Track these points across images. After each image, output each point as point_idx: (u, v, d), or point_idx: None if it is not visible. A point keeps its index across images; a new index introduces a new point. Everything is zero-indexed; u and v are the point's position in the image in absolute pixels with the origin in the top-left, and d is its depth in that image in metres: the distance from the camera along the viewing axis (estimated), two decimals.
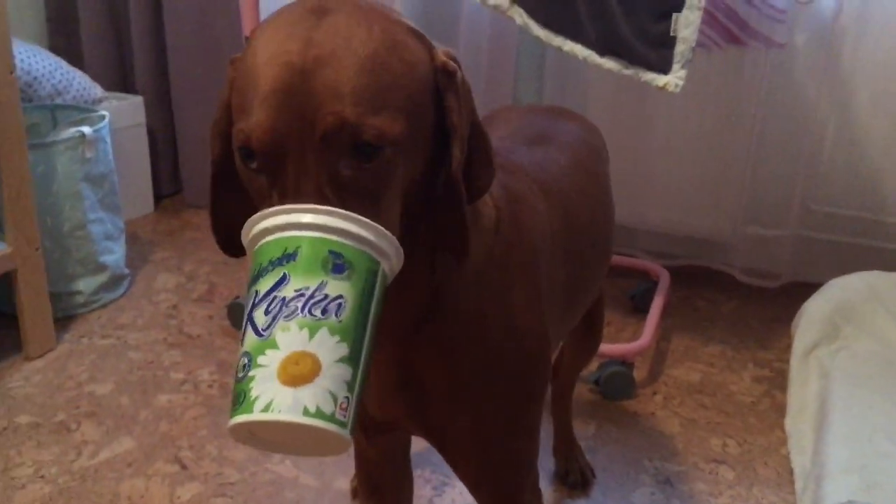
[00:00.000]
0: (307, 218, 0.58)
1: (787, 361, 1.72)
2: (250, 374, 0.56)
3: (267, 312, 0.57)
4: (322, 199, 0.59)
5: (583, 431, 1.60)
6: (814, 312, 1.73)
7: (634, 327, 1.99)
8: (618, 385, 1.72)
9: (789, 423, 1.60)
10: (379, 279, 0.60)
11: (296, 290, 0.57)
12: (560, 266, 0.92)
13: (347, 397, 0.57)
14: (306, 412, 0.55)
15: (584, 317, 1.28)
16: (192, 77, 2.48)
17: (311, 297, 0.57)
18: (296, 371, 0.55)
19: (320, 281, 0.57)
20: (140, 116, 2.47)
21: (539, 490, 0.93)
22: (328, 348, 0.56)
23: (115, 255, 2.07)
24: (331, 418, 0.56)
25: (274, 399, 0.55)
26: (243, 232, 0.62)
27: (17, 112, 1.67)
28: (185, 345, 1.89)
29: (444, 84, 0.66)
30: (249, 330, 0.58)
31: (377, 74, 0.61)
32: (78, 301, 1.99)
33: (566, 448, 1.49)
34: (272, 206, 0.61)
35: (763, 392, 1.76)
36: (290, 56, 0.60)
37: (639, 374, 1.80)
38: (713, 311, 2.10)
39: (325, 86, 0.59)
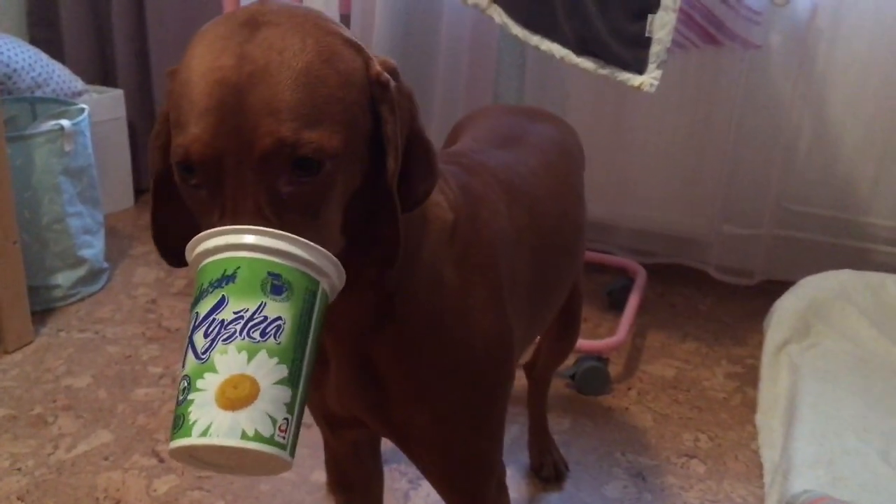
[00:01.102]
0: (245, 239, 0.58)
1: (759, 358, 1.75)
2: (189, 397, 0.56)
3: (206, 335, 0.57)
4: (261, 219, 0.59)
5: (557, 425, 1.62)
6: (785, 310, 1.76)
7: (611, 324, 2.01)
8: (593, 380, 1.74)
9: (759, 418, 1.63)
10: (319, 298, 0.60)
11: (234, 313, 0.57)
12: (526, 266, 0.93)
13: (287, 418, 0.57)
14: (244, 436, 0.55)
15: (561, 314, 1.30)
16: (166, 77, 2.48)
17: (251, 319, 0.57)
18: (234, 395, 0.55)
19: (259, 303, 0.57)
20: (120, 110, 2.47)
21: (505, 486, 0.94)
22: (267, 371, 0.56)
23: (94, 248, 2.06)
24: (269, 441, 0.56)
25: (212, 423, 0.55)
26: (186, 251, 0.61)
27: None
28: (163, 339, 1.90)
29: (378, 95, 0.66)
30: (190, 353, 0.58)
31: (313, 88, 0.61)
32: (56, 295, 1.99)
33: (540, 442, 1.51)
34: (212, 224, 0.60)
35: (735, 388, 1.79)
36: (223, 72, 0.60)
37: (614, 369, 1.82)
38: (689, 309, 2.13)
39: (261, 103, 0.59)
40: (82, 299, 2.04)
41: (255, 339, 0.57)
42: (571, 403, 1.71)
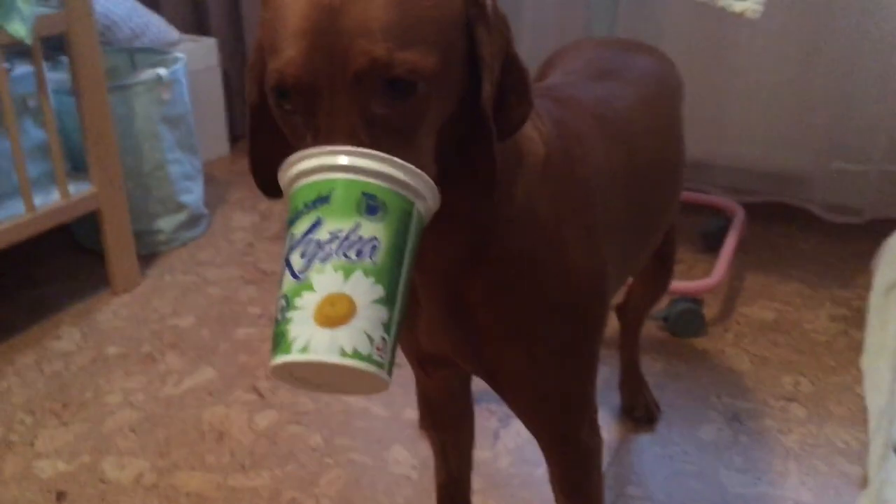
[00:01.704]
0: (339, 160, 0.58)
1: (867, 300, 1.67)
2: (288, 315, 0.57)
3: (303, 255, 0.57)
4: (354, 140, 0.59)
5: (650, 368, 1.60)
6: None
7: (705, 265, 1.95)
8: (687, 322, 1.70)
9: (866, 361, 1.56)
10: (414, 220, 0.60)
11: (330, 233, 0.57)
12: (621, 204, 0.91)
13: (384, 338, 0.57)
14: (343, 353, 0.56)
15: (655, 254, 1.26)
16: (261, 6, 2.50)
17: (346, 238, 0.57)
18: (332, 312, 0.56)
19: (354, 223, 0.57)
20: (214, 59, 2.52)
21: (597, 426, 0.93)
22: (363, 290, 0.57)
23: (193, 194, 2.13)
24: (367, 358, 0.56)
25: (311, 340, 0.56)
26: (279, 175, 0.62)
27: (97, 55, 1.72)
28: (260, 281, 1.96)
29: (473, 15, 0.65)
30: (287, 273, 0.58)
31: (406, 8, 0.60)
32: (160, 239, 2.07)
33: (633, 383, 1.49)
34: (307, 146, 0.61)
35: (839, 331, 1.72)
36: None
37: (710, 311, 1.78)
38: (791, 249, 2.04)
39: (354, 23, 0.59)
40: (184, 244, 2.12)
41: (350, 258, 0.57)
42: (665, 346, 1.68)
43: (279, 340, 0.57)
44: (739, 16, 1.40)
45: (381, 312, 0.58)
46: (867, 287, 1.70)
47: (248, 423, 1.49)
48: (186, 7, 2.67)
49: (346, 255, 0.57)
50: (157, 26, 2.35)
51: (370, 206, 0.58)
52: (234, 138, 2.69)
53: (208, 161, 2.52)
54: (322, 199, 0.58)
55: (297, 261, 0.58)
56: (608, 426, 1.46)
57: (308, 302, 0.57)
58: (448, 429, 1.08)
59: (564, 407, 0.89)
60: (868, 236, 1.90)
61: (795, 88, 2.03)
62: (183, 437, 1.46)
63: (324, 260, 0.57)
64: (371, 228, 0.58)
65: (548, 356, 0.83)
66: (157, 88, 1.98)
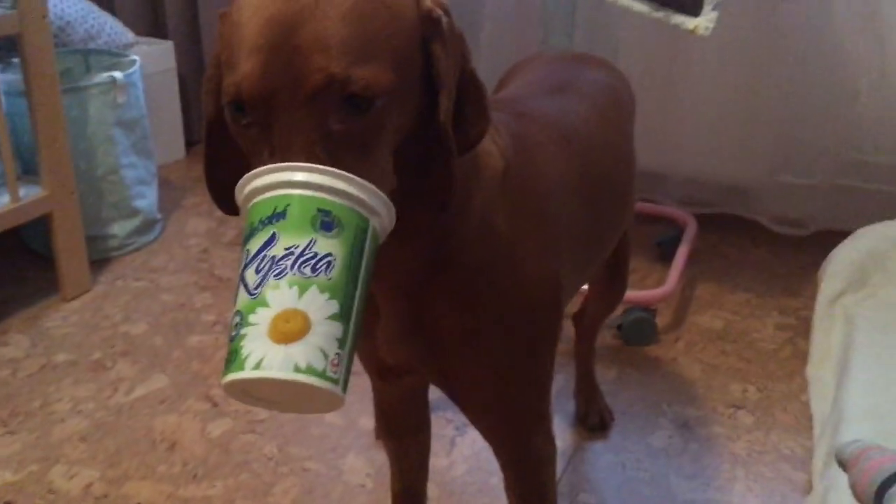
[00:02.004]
0: (295, 176, 0.58)
1: (813, 310, 1.72)
2: (242, 332, 0.57)
3: (258, 271, 0.57)
4: (311, 156, 0.59)
5: (604, 375, 1.62)
6: (842, 260, 1.71)
7: (659, 274, 1.99)
8: (640, 331, 1.73)
9: (811, 370, 1.60)
10: (369, 236, 0.60)
11: (285, 249, 0.57)
12: (576, 215, 0.92)
13: (339, 354, 0.57)
14: (297, 369, 0.55)
15: (610, 264, 1.29)
16: (217, 21, 2.49)
17: (301, 255, 0.57)
18: (286, 328, 0.56)
19: (310, 239, 0.57)
20: (170, 62, 2.49)
21: (552, 434, 0.95)
22: (318, 306, 0.57)
23: (147, 199, 2.11)
24: (322, 374, 0.56)
25: (265, 356, 0.55)
26: (237, 191, 0.62)
27: (51, 56, 1.69)
28: (215, 287, 1.94)
29: (429, 32, 0.66)
30: (241, 289, 0.58)
31: (362, 24, 0.61)
32: (112, 244, 2.04)
33: (587, 391, 1.51)
34: (263, 162, 0.61)
35: (786, 339, 1.77)
36: (274, 10, 0.60)
37: (662, 320, 1.81)
38: (740, 259, 2.09)
39: (311, 39, 0.59)
40: (137, 249, 2.09)
41: (305, 274, 0.57)
42: (618, 354, 1.71)
43: (233, 357, 0.57)
44: (691, 33, 1.43)
45: (336, 328, 0.58)
46: (813, 297, 1.74)
47: (200, 432, 1.48)
48: (143, 9, 2.64)
49: (301, 271, 0.57)
50: (113, 28, 2.32)
51: (325, 222, 0.58)
52: (190, 142, 2.66)
53: (164, 165, 2.49)
54: (278, 215, 0.58)
55: (251, 277, 0.58)
56: (563, 433, 1.48)
57: (262, 318, 0.56)
58: (404, 437, 1.09)
59: (519, 416, 0.90)
60: (814, 248, 1.96)
61: (745, 104, 2.08)
62: (134, 446, 1.44)
63: (278, 276, 0.57)
64: (326, 244, 0.58)
65: (503, 366, 0.85)
66: (112, 91, 1.95)
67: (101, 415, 1.52)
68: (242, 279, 0.58)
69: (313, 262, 0.57)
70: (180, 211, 2.30)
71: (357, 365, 1.03)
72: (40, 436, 1.46)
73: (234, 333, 0.58)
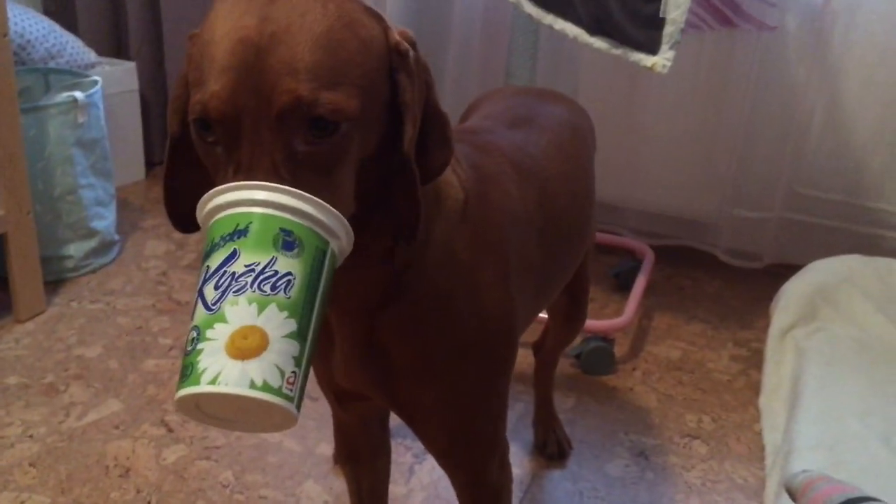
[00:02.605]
0: (260, 195, 0.59)
1: (765, 342, 1.76)
2: (199, 347, 0.57)
3: (217, 287, 0.57)
4: (276, 176, 0.60)
5: (562, 404, 1.63)
6: (793, 293, 1.76)
7: (618, 304, 2.02)
8: (598, 360, 1.75)
9: (763, 400, 1.64)
10: (328, 258, 0.61)
11: (246, 266, 0.57)
12: (533, 247, 0.94)
13: (295, 372, 0.58)
14: (253, 385, 0.55)
15: (569, 294, 1.31)
16: (186, 42, 2.48)
17: (262, 272, 0.57)
18: (244, 345, 0.56)
19: (271, 257, 0.58)
20: (133, 83, 2.47)
21: (508, 463, 0.96)
22: (276, 324, 0.57)
23: (105, 220, 2.08)
24: (277, 392, 0.56)
25: (221, 372, 0.55)
26: (198, 207, 0.62)
27: (10, 75, 1.67)
28: (173, 311, 1.91)
29: (396, 63, 0.67)
30: (199, 304, 0.58)
31: (332, 50, 0.62)
32: (68, 265, 2.01)
33: (545, 420, 1.52)
34: (227, 180, 0.61)
35: (740, 370, 1.80)
36: (245, 32, 0.61)
37: (620, 350, 1.83)
38: (696, 291, 2.13)
39: (281, 62, 0.60)
40: (94, 271, 2.05)
41: (265, 291, 0.57)
42: (576, 383, 1.73)
43: (188, 371, 0.57)
44: (650, 70, 1.47)
45: (293, 347, 0.58)
46: (766, 329, 1.79)
47: (155, 458, 1.45)
48: (106, 29, 2.62)
49: (261, 289, 0.57)
50: (75, 48, 2.30)
51: (287, 241, 0.58)
52: (150, 164, 2.63)
53: (123, 186, 2.47)
54: (240, 233, 0.58)
55: (210, 292, 0.58)
56: (521, 461, 1.48)
57: (220, 333, 0.56)
58: (363, 464, 1.08)
59: (475, 444, 0.90)
60: (767, 280, 2.01)
61: (701, 139, 2.14)
62: (86, 472, 1.41)
63: (238, 292, 0.57)
64: (287, 264, 0.58)
65: (458, 395, 0.85)
66: (72, 111, 1.93)
67: (52, 439, 1.48)
68: (201, 295, 0.58)
69: (273, 280, 0.58)
70: (139, 233, 2.27)
71: (317, 390, 1.02)
72: None
73: (189, 348, 0.58)
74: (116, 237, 2.15)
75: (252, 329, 0.56)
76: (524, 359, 1.60)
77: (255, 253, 0.58)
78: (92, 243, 2.04)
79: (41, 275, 1.85)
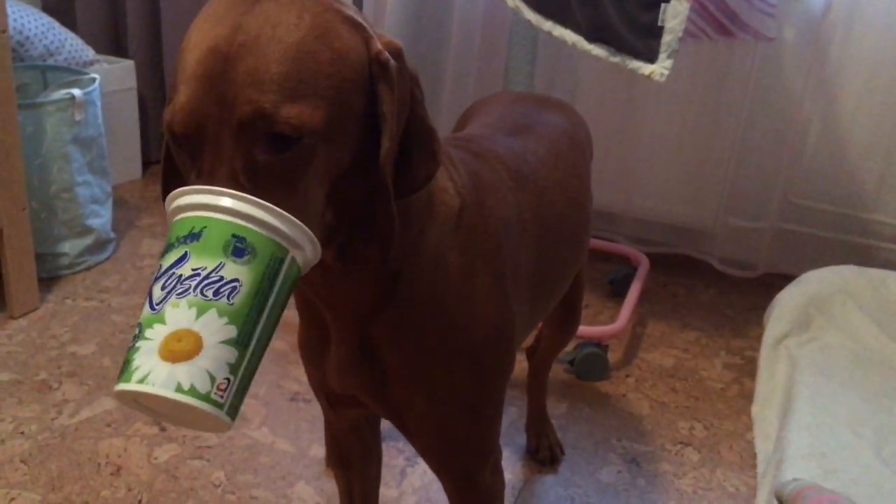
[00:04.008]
0: (215, 200, 0.59)
1: (759, 350, 1.76)
2: (137, 344, 0.58)
3: (163, 288, 0.58)
4: (235, 184, 0.60)
5: (555, 409, 1.64)
6: (786, 303, 1.77)
7: (612, 311, 2.02)
8: (592, 366, 1.75)
9: (755, 409, 1.64)
10: (286, 267, 0.61)
11: (192, 269, 0.58)
12: (530, 254, 0.94)
13: (228, 378, 0.58)
14: (179, 388, 0.56)
15: (564, 301, 1.31)
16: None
17: (206, 277, 0.58)
18: (177, 348, 0.57)
19: (218, 262, 0.58)
20: (131, 81, 2.47)
21: (500, 468, 0.96)
22: (214, 329, 0.57)
23: (101, 218, 2.08)
24: (204, 397, 0.57)
25: (151, 372, 0.56)
26: (165, 205, 0.63)
27: (8, 71, 1.67)
28: None
29: (377, 74, 0.66)
30: (147, 302, 0.59)
31: (301, 62, 0.62)
32: (63, 263, 2.01)
33: (538, 425, 1.52)
34: (192, 184, 0.62)
35: (733, 379, 1.81)
36: (216, 41, 0.61)
37: (613, 356, 1.84)
38: (690, 299, 2.14)
39: (246, 73, 0.60)
40: (89, 268, 2.05)
41: (207, 296, 0.58)
42: (570, 388, 1.73)
43: (124, 367, 0.58)
44: (647, 77, 1.48)
45: (230, 353, 0.58)
46: (759, 338, 1.79)
47: (147, 457, 1.45)
48: (105, 27, 2.62)
49: (202, 294, 0.58)
50: (73, 45, 2.30)
51: (238, 248, 0.59)
52: (147, 162, 2.63)
53: (119, 184, 2.46)
54: (193, 236, 0.59)
55: (157, 292, 0.59)
56: (513, 466, 1.48)
57: (157, 334, 0.57)
58: (355, 466, 1.08)
59: (467, 449, 0.90)
60: (761, 290, 2.02)
61: (697, 148, 2.15)
62: (77, 470, 1.41)
63: (181, 295, 0.58)
64: (234, 270, 0.58)
65: (452, 400, 0.85)
66: (70, 108, 1.93)
67: (44, 437, 1.48)
68: (150, 293, 0.59)
69: (217, 285, 0.58)
70: (135, 231, 2.27)
71: (309, 392, 1.02)
72: None
73: (131, 344, 0.59)
74: (112, 235, 2.14)
75: (187, 333, 0.57)
76: (517, 364, 1.60)
77: (204, 257, 0.58)
78: (87, 241, 2.04)
79: (36, 271, 1.85)
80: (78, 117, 1.95)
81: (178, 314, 0.57)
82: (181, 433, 1.51)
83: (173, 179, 0.73)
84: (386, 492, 1.38)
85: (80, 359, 1.71)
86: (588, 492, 1.44)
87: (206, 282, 0.58)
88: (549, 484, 1.46)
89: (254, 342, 0.59)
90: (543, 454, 1.50)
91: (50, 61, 2.21)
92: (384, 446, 1.17)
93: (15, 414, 1.53)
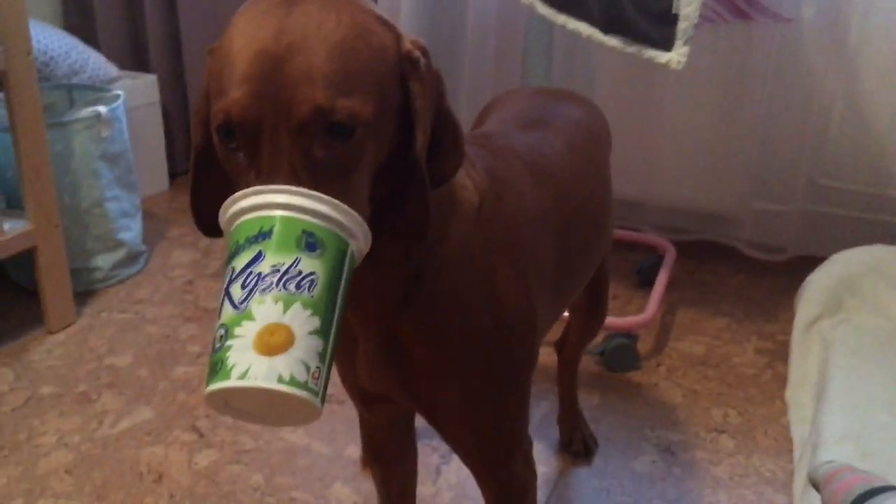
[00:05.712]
0: (282, 198, 0.61)
1: (790, 334, 1.75)
2: (227, 344, 0.59)
3: (244, 287, 0.60)
4: (295, 180, 0.62)
5: (587, 402, 1.64)
6: (817, 285, 1.75)
7: (640, 301, 2.02)
8: (622, 357, 1.75)
9: (789, 393, 1.63)
10: (348, 259, 0.63)
11: (271, 266, 0.60)
12: (550, 247, 0.95)
13: (319, 367, 0.60)
14: (281, 379, 0.58)
15: (590, 291, 1.31)
16: (206, 55, 2.51)
17: (286, 272, 0.60)
18: (271, 341, 0.58)
19: (295, 258, 0.60)
20: (154, 95, 2.51)
21: (532, 460, 0.97)
22: (301, 321, 0.59)
23: (131, 231, 2.12)
24: (304, 386, 0.59)
25: (250, 367, 0.58)
26: (221, 211, 0.64)
27: (35, 92, 1.71)
28: (200, 319, 1.94)
29: (408, 71, 0.69)
30: (227, 303, 0.61)
31: (347, 59, 0.64)
32: (97, 277, 2.05)
33: (570, 418, 1.53)
34: (249, 185, 0.63)
35: (765, 364, 1.80)
36: (263, 43, 0.63)
37: (643, 346, 1.84)
38: (719, 285, 2.13)
39: (298, 72, 0.62)
40: (122, 281, 2.09)
41: (290, 291, 0.59)
42: (600, 380, 1.73)
43: (217, 367, 0.59)
44: (665, 66, 1.47)
45: (317, 343, 0.60)
46: (790, 322, 1.78)
47: (187, 464, 1.48)
48: (127, 44, 2.66)
49: (286, 288, 0.59)
50: (96, 63, 2.34)
51: (310, 242, 0.61)
52: (173, 174, 2.67)
53: (148, 197, 2.50)
54: (264, 235, 0.61)
55: (237, 292, 0.60)
56: (547, 460, 1.49)
57: (248, 331, 0.59)
58: (391, 465, 1.10)
59: (497, 441, 0.92)
60: (791, 273, 2.00)
61: (720, 133, 2.13)
62: (120, 478, 1.44)
63: (264, 291, 0.59)
64: (310, 264, 0.61)
65: (480, 392, 0.87)
66: (96, 126, 1.97)
67: (86, 447, 1.51)
68: (228, 294, 0.61)
69: (298, 279, 0.60)
70: (164, 242, 2.31)
71: (344, 393, 1.04)
72: (26, 469, 1.45)
73: (218, 345, 0.60)
74: (143, 248, 2.18)
75: (278, 326, 0.59)
76: (547, 357, 1.61)
77: (280, 254, 0.60)
78: (119, 254, 2.08)
79: (71, 286, 1.89)
80: (105, 134, 1.99)
81: (266, 309, 0.59)
82: (218, 438, 1.53)
83: (204, 189, 0.75)
84: (422, 489, 1.39)
85: (117, 370, 1.74)
86: (623, 482, 1.44)
87: (286, 277, 0.60)
88: (584, 476, 1.46)
89: (333, 331, 0.62)
90: (577, 447, 1.50)
91: (74, 80, 2.26)
92: (419, 444, 1.18)
93: (58, 426, 1.57)
